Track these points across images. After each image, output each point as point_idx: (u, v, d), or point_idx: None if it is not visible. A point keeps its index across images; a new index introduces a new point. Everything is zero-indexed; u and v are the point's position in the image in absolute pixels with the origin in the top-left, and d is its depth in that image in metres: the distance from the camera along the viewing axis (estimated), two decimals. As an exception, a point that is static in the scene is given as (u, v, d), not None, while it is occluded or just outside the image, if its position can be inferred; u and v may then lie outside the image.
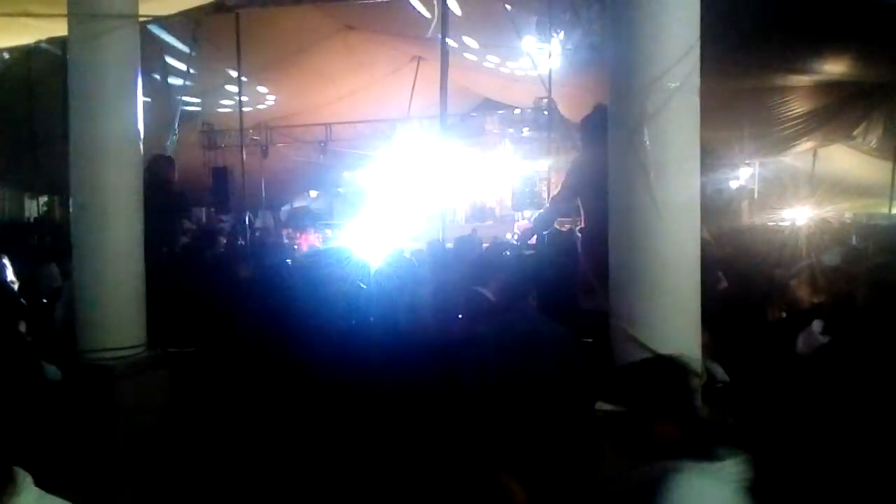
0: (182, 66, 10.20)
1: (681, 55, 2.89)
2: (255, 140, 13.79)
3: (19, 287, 6.10)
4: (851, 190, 12.87)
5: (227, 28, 9.25)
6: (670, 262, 2.94)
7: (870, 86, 10.14)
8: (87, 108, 3.88)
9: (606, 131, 3.80)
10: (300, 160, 15.69)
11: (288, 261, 6.52)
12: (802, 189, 12.99)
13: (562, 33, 9.53)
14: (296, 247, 12.51)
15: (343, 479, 3.33)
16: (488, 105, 15.35)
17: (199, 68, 10.28)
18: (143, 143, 4.11)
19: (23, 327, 3.95)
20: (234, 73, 9.91)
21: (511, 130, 15.13)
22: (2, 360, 3.35)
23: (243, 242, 10.41)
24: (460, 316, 3.76)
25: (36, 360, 3.59)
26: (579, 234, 4.79)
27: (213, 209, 13.79)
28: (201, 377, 4.24)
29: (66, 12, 3.92)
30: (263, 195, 14.85)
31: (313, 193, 20.37)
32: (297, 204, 19.94)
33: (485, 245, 8.14)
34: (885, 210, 12.29)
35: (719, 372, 3.53)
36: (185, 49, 9.91)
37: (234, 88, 10.41)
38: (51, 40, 8.38)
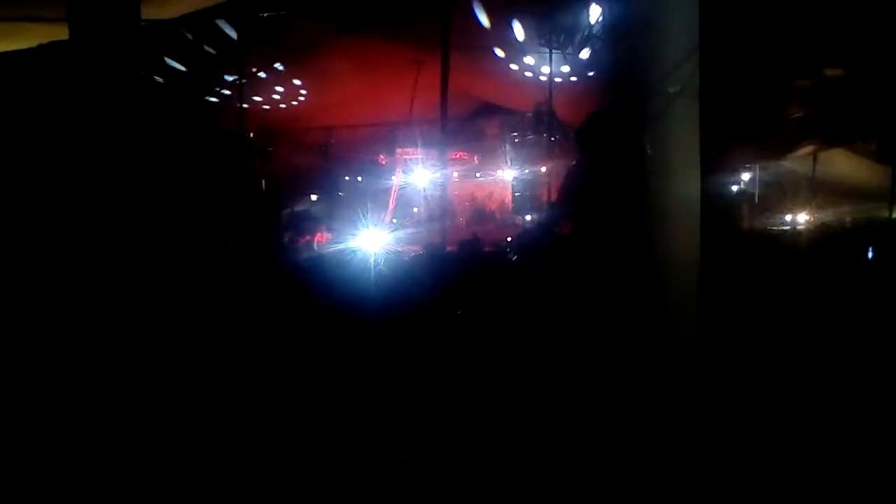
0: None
1: (681, 60, 2.90)
2: (256, 143, 13.80)
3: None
4: (852, 194, 12.86)
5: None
6: (671, 263, 2.95)
7: (871, 89, 10.14)
8: (90, 112, 3.89)
9: (602, 139, 3.87)
10: (301, 164, 15.69)
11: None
12: (803, 193, 12.98)
13: (563, 38, 9.56)
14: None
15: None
16: (489, 109, 15.37)
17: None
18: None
19: None
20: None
21: (511, 135, 15.15)
22: None
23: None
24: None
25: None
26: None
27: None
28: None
29: (67, 16, 3.93)
30: (264, 198, 14.85)
31: (314, 197, 20.37)
32: (297, 207, 19.94)
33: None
34: (885, 214, 12.27)
35: None
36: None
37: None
38: (51, 44, 8.40)
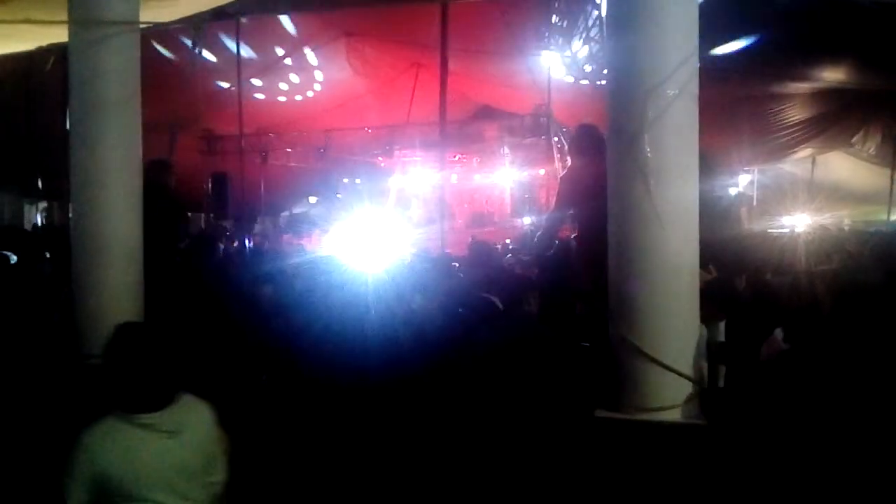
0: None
1: (679, 63, 2.91)
2: (255, 146, 13.81)
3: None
4: (850, 197, 12.88)
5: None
6: (670, 267, 2.95)
7: (868, 93, 10.18)
8: (87, 114, 3.90)
9: (590, 148, 3.94)
10: (299, 166, 15.70)
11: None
12: (801, 196, 12.99)
13: (560, 41, 9.58)
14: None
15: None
16: (487, 112, 15.38)
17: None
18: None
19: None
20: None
21: (510, 137, 15.15)
22: None
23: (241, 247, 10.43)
24: (464, 320, 3.80)
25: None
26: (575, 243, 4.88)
27: (212, 215, 13.78)
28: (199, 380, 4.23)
29: (66, 19, 3.94)
30: (263, 201, 14.86)
31: (312, 199, 20.36)
32: (296, 210, 19.93)
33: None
34: (883, 217, 12.30)
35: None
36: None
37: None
38: (51, 46, 8.41)
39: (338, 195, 18.90)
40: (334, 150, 15.16)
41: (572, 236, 5.43)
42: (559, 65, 10.07)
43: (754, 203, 13.64)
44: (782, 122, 11.00)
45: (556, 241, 5.37)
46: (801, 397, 2.45)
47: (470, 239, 7.88)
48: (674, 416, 2.96)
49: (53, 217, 14.04)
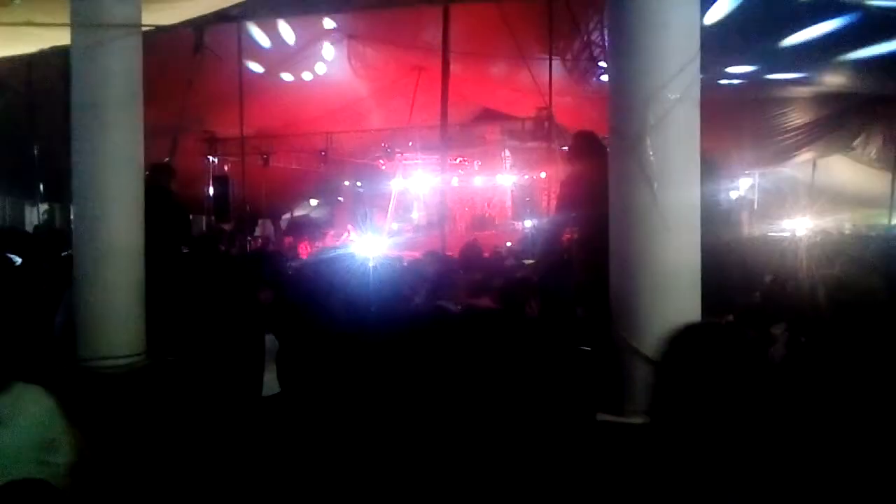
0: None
1: (681, 67, 2.91)
2: (256, 148, 13.82)
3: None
4: (851, 201, 12.89)
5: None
6: (671, 271, 2.96)
7: (869, 97, 10.19)
8: (89, 117, 3.90)
9: (590, 153, 3.96)
10: (300, 169, 15.71)
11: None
12: (802, 200, 13.00)
13: (562, 44, 9.59)
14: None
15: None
16: (488, 115, 15.39)
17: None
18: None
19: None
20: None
21: (511, 140, 15.16)
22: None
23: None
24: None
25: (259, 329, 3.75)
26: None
27: (213, 217, 13.80)
28: (200, 384, 4.24)
29: (68, 22, 3.95)
30: (263, 203, 14.87)
31: (313, 202, 20.38)
32: (297, 212, 19.95)
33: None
34: (885, 221, 12.30)
35: None
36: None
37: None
38: (53, 49, 8.43)
39: (339, 198, 18.94)
40: (335, 153, 15.16)
41: (573, 240, 5.45)
42: (561, 68, 10.08)
43: (755, 207, 13.64)
44: (783, 125, 11.01)
45: (557, 245, 5.38)
46: (808, 401, 2.45)
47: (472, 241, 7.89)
48: (675, 420, 2.96)
49: (55, 219, 14.04)
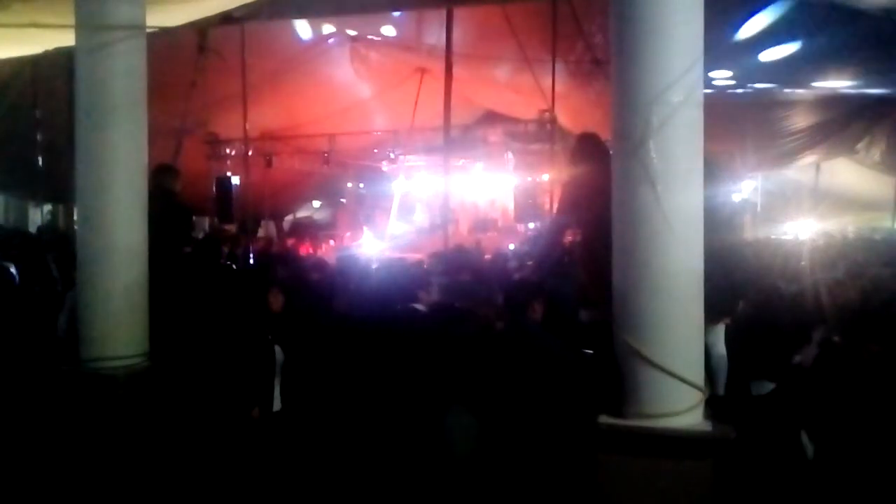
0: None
1: (685, 69, 2.91)
2: (259, 150, 13.84)
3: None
4: (855, 204, 12.89)
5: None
6: (674, 274, 2.95)
7: (873, 100, 10.17)
8: (93, 118, 3.91)
9: (593, 156, 4.01)
10: (304, 170, 15.73)
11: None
12: (805, 203, 12.98)
13: (565, 46, 9.59)
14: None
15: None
16: (491, 117, 15.40)
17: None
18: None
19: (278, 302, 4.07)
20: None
21: (514, 143, 15.16)
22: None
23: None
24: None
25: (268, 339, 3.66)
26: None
27: (216, 218, 13.83)
28: (202, 385, 4.23)
29: (73, 23, 3.95)
30: (266, 205, 14.89)
31: (316, 204, 20.41)
32: (300, 214, 19.97)
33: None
34: (888, 224, 12.29)
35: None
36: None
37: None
38: (57, 50, 8.45)
39: (341, 200, 18.96)
40: (338, 155, 15.18)
41: (576, 242, 5.44)
42: (564, 70, 10.08)
43: (758, 209, 13.62)
44: (787, 128, 10.99)
45: (559, 248, 5.38)
46: (847, 399, 2.45)
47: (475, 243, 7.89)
48: (678, 423, 2.95)
49: (58, 220, 14.07)
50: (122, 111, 3.93)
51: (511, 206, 16.51)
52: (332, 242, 15.60)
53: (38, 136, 10.88)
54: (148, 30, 4.14)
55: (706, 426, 2.98)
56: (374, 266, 6.15)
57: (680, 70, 2.90)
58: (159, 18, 5.74)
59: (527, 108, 12.57)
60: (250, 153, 11.91)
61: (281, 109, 12.88)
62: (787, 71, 9.33)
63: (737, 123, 10.16)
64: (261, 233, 15.36)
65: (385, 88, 13.27)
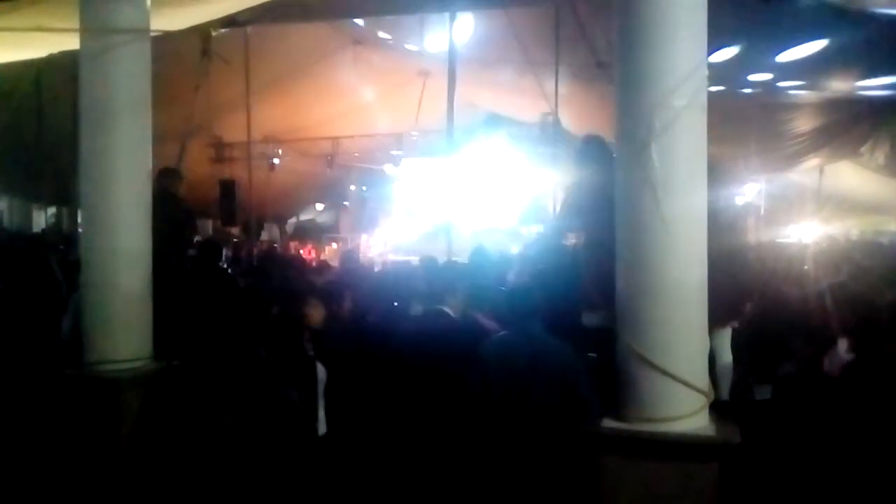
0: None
1: (688, 73, 2.91)
2: (263, 153, 13.86)
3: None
4: (858, 207, 12.84)
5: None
6: (678, 278, 2.95)
7: (877, 103, 10.15)
8: (98, 121, 3.92)
9: (597, 158, 3.90)
10: (307, 173, 15.75)
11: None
12: (809, 206, 12.95)
13: (569, 49, 9.58)
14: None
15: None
16: (494, 120, 15.41)
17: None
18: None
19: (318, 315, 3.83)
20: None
21: (517, 145, 15.17)
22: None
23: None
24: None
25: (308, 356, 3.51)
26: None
27: (219, 221, 13.85)
28: (206, 388, 4.21)
29: (78, 27, 3.97)
30: (270, 208, 14.91)
31: (319, 206, 20.44)
32: (303, 217, 19.99)
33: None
34: (892, 227, 12.26)
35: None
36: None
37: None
38: (62, 53, 8.46)
39: (344, 202, 18.98)
40: (342, 158, 15.20)
41: (580, 245, 5.43)
42: (567, 73, 10.07)
43: (762, 213, 13.59)
44: (790, 131, 10.97)
45: (563, 251, 5.37)
46: (879, 406, 2.45)
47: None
48: (682, 427, 2.95)
49: (62, 223, 14.10)
50: (126, 114, 3.94)
51: (514, 208, 16.52)
52: (334, 245, 15.61)
53: (43, 139, 10.90)
54: (152, 33, 4.15)
55: (710, 430, 2.98)
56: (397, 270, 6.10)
57: (683, 74, 2.90)
58: (163, 22, 5.75)
59: (530, 110, 12.57)
60: (254, 156, 11.92)
61: (284, 113, 12.90)
62: (793, 73, 9.32)
63: (740, 126, 10.14)
64: (264, 236, 15.37)
65: (388, 91, 13.29)
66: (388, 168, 16.17)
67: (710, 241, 3.06)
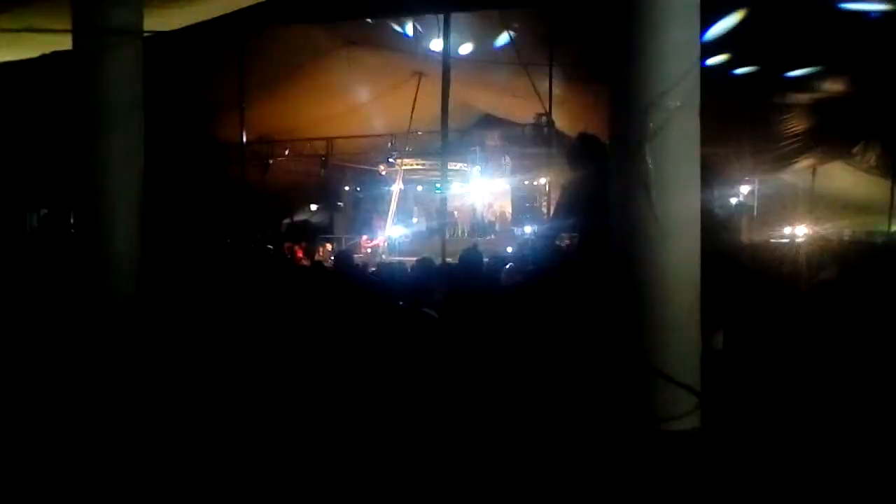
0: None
1: (682, 74, 2.92)
2: (257, 153, 13.84)
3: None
4: (851, 208, 12.90)
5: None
6: (671, 278, 2.95)
7: (869, 104, 10.20)
8: (90, 122, 3.91)
9: (591, 158, 4.00)
10: (301, 174, 15.74)
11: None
12: (802, 206, 13.02)
13: (562, 50, 9.60)
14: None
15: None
16: (488, 121, 15.43)
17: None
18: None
19: None
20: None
21: (511, 146, 15.19)
22: None
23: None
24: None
25: None
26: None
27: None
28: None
29: (70, 27, 3.95)
30: (264, 208, 14.89)
31: (313, 207, 20.44)
32: (297, 217, 19.98)
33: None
34: (884, 228, 12.31)
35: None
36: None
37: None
38: (55, 54, 8.42)
39: (339, 203, 18.97)
40: (336, 159, 15.19)
41: (573, 246, 5.45)
42: (561, 74, 10.09)
43: (755, 213, 13.64)
44: (783, 132, 11.02)
45: (556, 251, 5.37)
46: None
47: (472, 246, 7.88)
48: (676, 427, 2.95)
49: (55, 226, 14.03)
50: (120, 115, 3.93)
51: (508, 209, 16.57)
52: (328, 246, 15.60)
53: (35, 141, 10.86)
54: (145, 34, 4.14)
55: (704, 431, 2.98)
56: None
57: (677, 75, 2.91)
58: (156, 22, 5.72)
59: (524, 111, 12.60)
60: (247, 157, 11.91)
61: (279, 113, 12.89)
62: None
63: (734, 127, 10.18)
64: (258, 236, 15.35)
65: (383, 92, 13.29)
66: (383, 169, 16.18)
67: (703, 241, 3.07)
